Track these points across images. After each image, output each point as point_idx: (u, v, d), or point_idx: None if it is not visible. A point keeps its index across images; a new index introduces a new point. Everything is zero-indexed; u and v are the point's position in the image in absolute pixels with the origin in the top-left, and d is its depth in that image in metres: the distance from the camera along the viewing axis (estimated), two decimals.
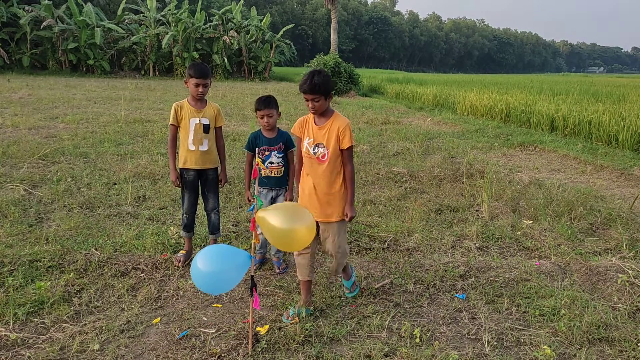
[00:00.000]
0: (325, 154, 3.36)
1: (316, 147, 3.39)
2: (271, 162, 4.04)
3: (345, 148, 3.35)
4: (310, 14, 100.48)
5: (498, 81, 32.48)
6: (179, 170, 4.19)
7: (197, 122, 4.07)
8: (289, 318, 3.37)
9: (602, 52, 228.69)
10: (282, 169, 4.08)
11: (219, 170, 4.31)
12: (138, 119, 12.19)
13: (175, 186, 4.23)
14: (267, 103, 3.96)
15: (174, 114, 4.07)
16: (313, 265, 3.53)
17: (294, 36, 78.73)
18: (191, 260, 4.21)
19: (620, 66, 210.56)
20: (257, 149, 3.50)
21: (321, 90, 3.26)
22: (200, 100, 4.12)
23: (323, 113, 3.39)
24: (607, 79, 46.10)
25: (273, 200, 4.12)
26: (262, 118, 3.98)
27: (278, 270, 4.16)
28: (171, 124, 4.10)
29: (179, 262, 4.14)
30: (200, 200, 4.35)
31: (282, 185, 4.13)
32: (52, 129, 10.39)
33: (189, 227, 4.29)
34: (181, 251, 4.31)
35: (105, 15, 37.61)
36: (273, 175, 4.06)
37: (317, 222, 3.36)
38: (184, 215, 4.26)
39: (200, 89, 4.00)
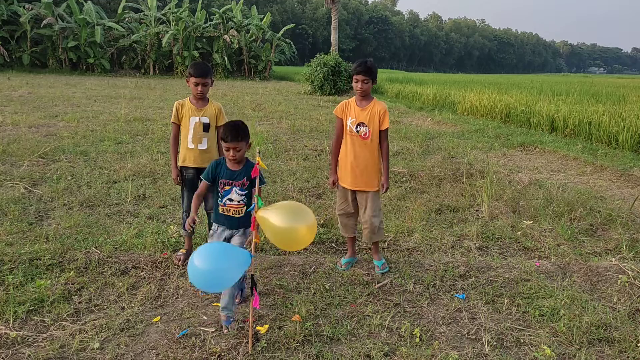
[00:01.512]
0: (367, 133, 3.96)
1: (359, 126, 3.96)
2: (230, 200, 3.30)
3: (384, 129, 3.99)
4: (311, 13, 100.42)
5: (498, 81, 32.47)
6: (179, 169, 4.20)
7: (197, 120, 4.08)
8: (343, 266, 4.17)
9: (602, 53, 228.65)
10: (243, 208, 3.32)
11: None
12: (138, 118, 12.20)
13: (175, 184, 4.24)
14: (235, 134, 3.16)
15: (175, 112, 4.10)
16: (356, 224, 4.30)
17: (294, 35, 78.64)
18: None
19: (620, 67, 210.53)
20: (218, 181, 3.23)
21: (373, 72, 3.89)
22: (201, 99, 4.13)
23: (365, 97, 3.99)
24: (607, 80, 46.10)
25: (227, 241, 3.39)
26: (227, 151, 3.21)
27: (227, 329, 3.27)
28: (172, 122, 4.13)
29: (179, 261, 4.14)
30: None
31: (241, 226, 3.38)
32: (52, 127, 10.39)
33: None
34: (181, 250, 4.31)
35: (106, 14, 37.59)
36: (230, 214, 3.33)
37: (355, 191, 4.09)
38: (184, 213, 4.26)
39: (200, 88, 4.01)
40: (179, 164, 4.17)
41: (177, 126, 4.14)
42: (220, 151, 4.10)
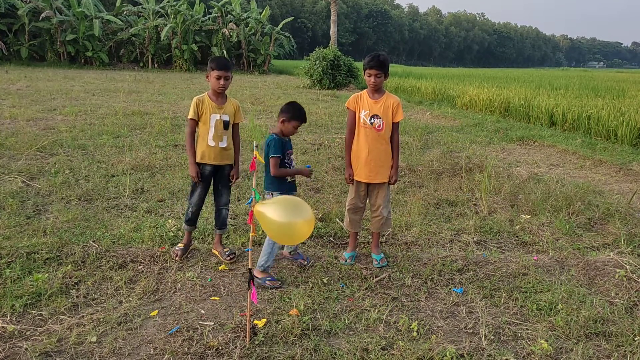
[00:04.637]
0: (381, 125, 4.01)
1: (372, 118, 4.00)
2: (291, 166, 4.04)
3: (397, 121, 4.07)
4: (310, 7, 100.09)
5: (497, 75, 32.43)
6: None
7: (218, 118, 4.01)
8: (348, 260, 4.19)
9: (602, 47, 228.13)
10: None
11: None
12: (136, 111, 12.16)
13: (194, 181, 4.09)
14: (305, 117, 3.98)
15: (194, 108, 3.99)
16: (362, 219, 4.38)
17: (294, 29, 78.47)
18: (189, 254, 4.22)
19: (620, 61, 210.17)
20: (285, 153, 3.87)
21: (385, 66, 3.92)
22: (221, 95, 4.06)
23: (378, 90, 4.03)
24: (606, 74, 46.08)
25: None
26: (295, 128, 3.95)
27: (305, 262, 4.14)
28: (191, 119, 4.01)
29: (177, 256, 4.13)
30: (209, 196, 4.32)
31: (294, 189, 4.08)
32: (50, 121, 10.35)
33: (193, 221, 4.26)
34: (179, 244, 4.28)
35: (104, 7, 37.34)
36: (292, 180, 4.03)
37: (368, 183, 4.13)
38: (191, 208, 4.19)
39: (221, 82, 3.93)
40: (198, 160, 4.07)
41: (195, 122, 4.04)
42: (236, 147, 4.25)
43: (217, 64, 3.92)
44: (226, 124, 4.05)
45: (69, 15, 32.87)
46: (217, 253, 4.25)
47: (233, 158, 4.22)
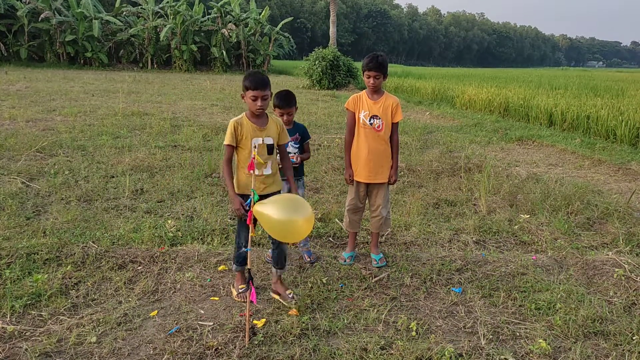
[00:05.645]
0: (380, 125, 4.04)
1: (372, 119, 4.04)
2: (288, 152, 4.02)
3: (396, 121, 4.12)
4: (309, 7, 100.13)
5: (497, 75, 32.43)
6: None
7: (261, 142, 3.44)
8: (347, 260, 4.21)
9: (602, 47, 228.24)
10: (298, 158, 4.13)
11: (284, 190, 3.80)
12: (136, 112, 12.17)
13: (237, 215, 3.39)
14: (288, 101, 3.96)
15: (232, 133, 3.40)
16: (361, 219, 4.40)
17: (293, 29, 78.50)
18: (190, 255, 4.21)
19: (619, 61, 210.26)
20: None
21: (384, 67, 3.94)
22: (261, 116, 3.49)
23: (377, 90, 4.06)
24: (606, 74, 46.11)
25: (288, 191, 3.93)
26: (281, 116, 3.95)
27: (309, 259, 4.21)
28: (228, 145, 3.43)
29: (253, 298, 3.26)
30: None
31: (297, 175, 4.15)
32: (49, 122, 10.36)
33: (246, 260, 3.47)
34: (239, 285, 3.68)
35: (103, 8, 37.37)
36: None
37: (368, 184, 4.17)
38: (246, 248, 3.48)
39: (259, 103, 3.36)
40: (239, 191, 3.48)
41: (232, 149, 3.46)
42: (288, 171, 3.69)
43: (252, 83, 3.35)
44: (270, 148, 3.49)
45: (68, 16, 32.89)
46: (277, 297, 3.65)
47: (279, 184, 3.67)
